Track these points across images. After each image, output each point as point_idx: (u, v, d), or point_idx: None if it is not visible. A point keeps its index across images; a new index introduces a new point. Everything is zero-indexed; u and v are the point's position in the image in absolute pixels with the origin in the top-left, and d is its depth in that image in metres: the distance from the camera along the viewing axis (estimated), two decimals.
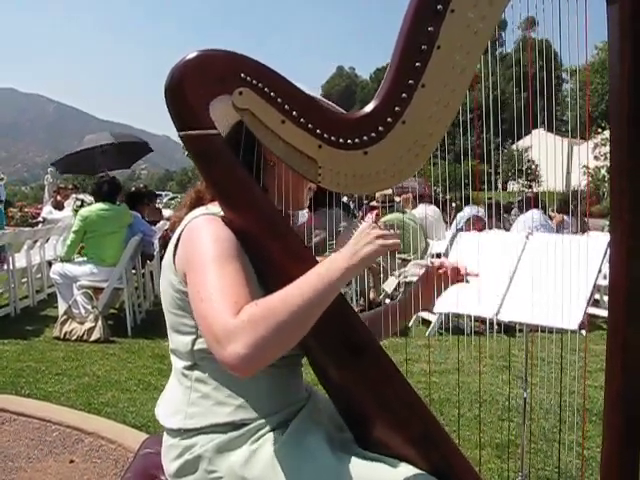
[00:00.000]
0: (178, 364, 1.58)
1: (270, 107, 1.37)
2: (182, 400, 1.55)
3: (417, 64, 1.37)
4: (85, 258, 6.50)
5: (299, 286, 1.33)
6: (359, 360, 1.48)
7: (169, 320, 1.57)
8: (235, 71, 1.36)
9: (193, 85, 1.37)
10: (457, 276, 1.75)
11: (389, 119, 1.39)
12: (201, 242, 1.41)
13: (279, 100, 1.37)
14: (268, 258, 1.45)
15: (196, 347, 1.51)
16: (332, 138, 1.39)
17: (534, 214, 7.96)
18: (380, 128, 1.39)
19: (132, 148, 11.83)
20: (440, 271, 1.74)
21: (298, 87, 1.41)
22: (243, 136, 1.48)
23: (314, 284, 1.33)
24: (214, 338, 1.29)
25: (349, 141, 1.39)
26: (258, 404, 1.51)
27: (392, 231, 1.42)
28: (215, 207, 1.51)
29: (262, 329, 1.26)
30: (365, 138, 1.39)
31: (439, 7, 1.35)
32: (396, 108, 1.38)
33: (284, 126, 1.38)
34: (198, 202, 1.60)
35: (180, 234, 1.49)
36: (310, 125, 1.38)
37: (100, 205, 6.48)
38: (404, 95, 1.38)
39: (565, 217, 8.31)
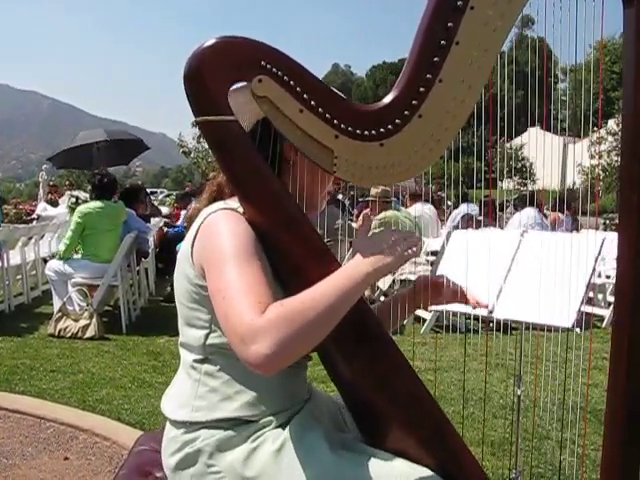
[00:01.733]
0: (188, 357, 1.57)
1: (289, 96, 1.37)
2: (189, 393, 1.54)
3: (435, 59, 1.37)
4: (80, 255, 6.48)
5: (323, 289, 1.33)
6: (367, 350, 1.48)
7: (182, 313, 1.56)
8: (255, 58, 1.36)
9: (212, 71, 1.36)
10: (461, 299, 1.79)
11: (406, 112, 1.39)
12: (220, 238, 1.41)
13: (298, 89, 1.37)
14: (281, 248, 1.44)
15: (208, 341, 1.51)
16: (349, 129, 1.39)
17: (529, 212, 7.97)
18: (397, 121, 1.39)
19: (128, 145, 11.83)
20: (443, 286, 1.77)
21: (317, 77, 1.41)
22: (259, 130, 1.49)
23: (338, 287, 1.34)
24: (238, 337, 1.29)
25: (366, 132, 1.40)
26: (264, 402, 1.51)
27: (416, 235, 1.43)
28: (234, 202, 1.50)
29: (287, 330, 1.26)
30: (382, 130, 1.40)
31: (459, 3, 1.36)
32: (413, 101, 1.39)
33: (302, 115, 1.38)
34: (218, 196, 1.59)
35: (198, 227, 1.48)
36: (328, 115, 1.38)
37: (98, 203, 6.44)
38: (422, 89, 1.38)
39: (560, 215, 8.33)
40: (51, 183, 14.80)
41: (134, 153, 12.56)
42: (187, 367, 1.57)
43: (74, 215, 6.51)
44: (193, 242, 1.49)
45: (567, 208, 8.13)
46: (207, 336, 1.51)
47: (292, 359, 1.32)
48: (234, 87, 1.41)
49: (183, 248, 1.53)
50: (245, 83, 1.40)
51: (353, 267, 1.38)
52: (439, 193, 9.51)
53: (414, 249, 1.42)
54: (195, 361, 1.54)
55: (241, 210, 1.47)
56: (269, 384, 1.49)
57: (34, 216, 12.33)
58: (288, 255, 1.45)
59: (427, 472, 1.46)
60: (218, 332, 1.48)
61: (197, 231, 1.48)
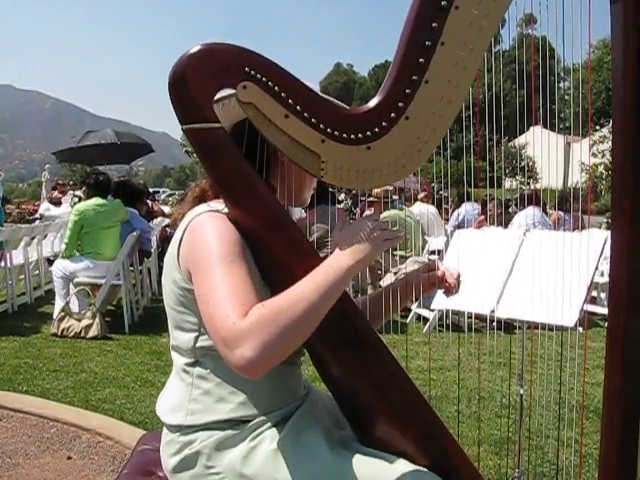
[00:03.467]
0: (179, 361, 1.58)
1: (274, 101, 1.37)
2: (183, 397, 1.55)
3: (421, 60, 1.37)
4: (80, 254, 6.48)
5: (305, 287, 1.34)
6: (359, 354, 1.48)
7: (171, 317, 1.57)
8: (239, 65, 1.36)
9: (196, 78, 1.37)
10: (450, 286, 1.76)
11: (392, 114, 1.39)
12: (205, 241, 1.41)
13: (283, 94, 1.37)
14: (270, 253, 1.45)
15: (198, 344, 1.51)
16: (335, 133, 1.39)
17: (532, 211, 7.96)
18: (383, 123, 1.39)
19: (132, 146, 11.89)
20: (438, 274, 1.76)
21: (302, 82, 1.41)
22: (246, 132, 1.48)
23: (319, 284, 1.34)
24: (222, 341, 1.30)
25: (352, 136, 1.39)
26: (259, 401, 1.51)
27: (392, 227, 1.42)
28: (218, 204, 1.51)
29: (269, 332, 1.27)
30: (368, 133, 1.39)
31: (443, 3, 1.35)
32: (399, 104, 1.38)
33: (288, 120, 1.38)
34: (201, 199, 1.59)
35: (184, 231, 1.49)
36: (314, 120, 1.38)
37: (95, 200, 6.48)
38: (408, 91, 1.38)
39: (562, 214, 8.32)
40: (60, 181, 14.84)
41: (136, 154, 12.62)
42: (179, 371, 1.58)
43: (71, 214, 6.53)
44: (179, 246, 1.49)
45: (568, 207, 8.12)
46: (196, 339, 1.51)
47: (277, 360, 1.32)
48: (218, 95, 1.41)
49: (170, 252, 1.53)
50: (230, 90, 1.40)
51: (332, 262, 1.38)
52: (440, 192, 9.51)
53: (393, 238, 1.42)
54: (187, 364, 1.55)
55: (226, 211, 1.47)
56: (261, 383, 1.49)
57: (37, 216, 12.35)
58: (275, 258, 1.45)
59: (425, 471, 1.47)
60: (207, 335, 1.48)
61: (182, 235, 1.49)
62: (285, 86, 1.37)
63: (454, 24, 1.36)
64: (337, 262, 1.37)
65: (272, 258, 1.45)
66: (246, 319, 1.28)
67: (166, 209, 12.47)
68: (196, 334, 1.51)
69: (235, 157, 1.44)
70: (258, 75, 1.36)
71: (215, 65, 1.37)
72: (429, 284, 1.77)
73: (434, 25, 1.36)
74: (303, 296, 1.32)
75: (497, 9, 1.37)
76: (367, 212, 8.03)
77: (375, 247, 1.39)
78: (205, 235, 1.42)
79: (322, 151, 1.40)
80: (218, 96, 1.42)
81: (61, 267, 6.41)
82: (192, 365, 1.54)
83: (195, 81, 1.37)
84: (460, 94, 1.41)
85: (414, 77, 1.37)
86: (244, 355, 1.26)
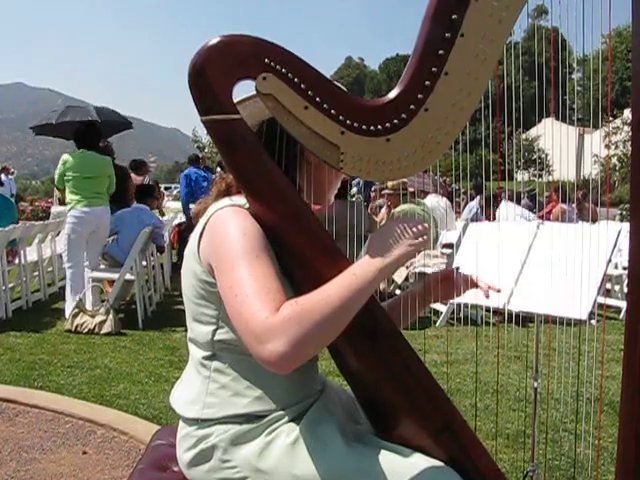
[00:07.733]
0: (197, 354, 1.58)
1: (293, 93, 1.36)
2: (200, 390, 1.55)
3: (440, 52, 1.36)
4: (74, 208, 6.58)
5: (336, 287, 1.34)
6: (377, 345, 1.47)
7: (189, 309, 1.57)
8: (259, 56, 1.35)
9: (216, 70, 1.36)
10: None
11: (412, 106, 1.38)
12: (229, 235, 1.41)
13: (302, 86, 1.36)
14: (290, 245, 1.44)
15: (216, 337, 1.51)
16: (355, 124, 1.38)
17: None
18: (403, 115, 1.38)
19: (113, 123, 11.64)
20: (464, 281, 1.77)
21: (321, 73, 1.40)
22: (266, 129, 1.50)
23: (351, 285, 1.34)
24: (252, 335, 1.29)
25: (372, 127, 1.39)
26: (275, 396, 1.51)
27: (425, 224, 1.42)
28: (240, 199, 1.50)
29: (302, 329, 1.27)
30: (388, 125, 1.39)
31: None
32: (419, 95, 1.37)
33: (307, 112, 1.37)
34: (226, 193, 1.59)
35: (205, 224, 1.49)
36: (333, 111, 1.37)
37: (81, 150, 6.67)
38: (427, 83, 1.37)
39: (565, 206, 8.28)
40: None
41: (113, 131, 12.32)
42: (197, 364, 1.58)
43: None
44: (200, 238, 1.49)
45: (579, 199, 8.09)
46: (215, 332, 1.51)
47: (307, 357, 1.32)
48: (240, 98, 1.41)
49: (190, 244, 1.53)
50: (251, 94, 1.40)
51: (364, 264, 1.38)
52: (453, 185, 9.49)
53: (423, 238, 1.42)
54: (204, 358, 1.55)
55: (248, 206, 1.47)
56: (278, 378, 1.49)
57: (53, 212, 12.35)
58: (295, 250, 1.44)
59: (441, 465, 1.46)
60: (225, 328, 1.49)
61: (204, 227, 1.49)
62: (305, 77, 1.37)
63: (474, 16, 1.35)
64: (369, 263, 1.38)
65: (290, 248, 1.44)
66: (279, 314, 1.28)
67: (177, 204, 12.46)
68: (214, 327, 1.51)
69: (254, 148, 1.44)
70: (278, 66, 1.35)
71: (234, 57, 1.36)
72: (448, 294, 1.80)
73: (454, 17, 1.34)
74: (335, 295, 1.32)
75: (517, 1, 1.36)
76: (378, 201, 8.02)
77: (406, 252, 1.40)
78: (228, 230, 1.42)
79: (341, 142, 1.39)
80: (240, 98, 1.43)
81: (71, 220, 6.57)
82: (210, 358, 1.54)
83: (214, 73, 1.36)
84: (480, 86, 1.40)
85: (434, 69, 1.36)
86: (276, 350, 1.26)
